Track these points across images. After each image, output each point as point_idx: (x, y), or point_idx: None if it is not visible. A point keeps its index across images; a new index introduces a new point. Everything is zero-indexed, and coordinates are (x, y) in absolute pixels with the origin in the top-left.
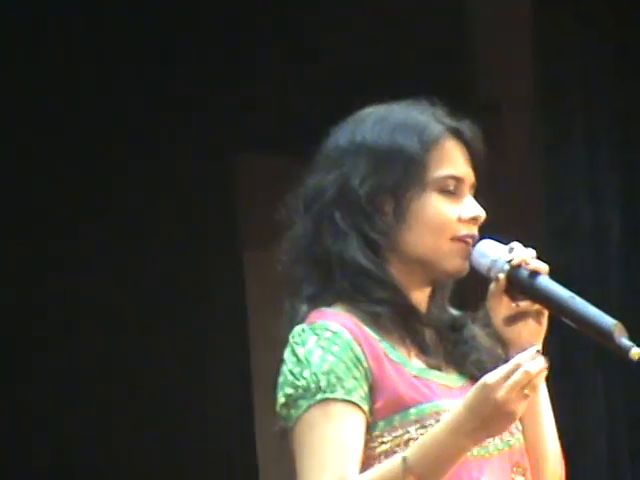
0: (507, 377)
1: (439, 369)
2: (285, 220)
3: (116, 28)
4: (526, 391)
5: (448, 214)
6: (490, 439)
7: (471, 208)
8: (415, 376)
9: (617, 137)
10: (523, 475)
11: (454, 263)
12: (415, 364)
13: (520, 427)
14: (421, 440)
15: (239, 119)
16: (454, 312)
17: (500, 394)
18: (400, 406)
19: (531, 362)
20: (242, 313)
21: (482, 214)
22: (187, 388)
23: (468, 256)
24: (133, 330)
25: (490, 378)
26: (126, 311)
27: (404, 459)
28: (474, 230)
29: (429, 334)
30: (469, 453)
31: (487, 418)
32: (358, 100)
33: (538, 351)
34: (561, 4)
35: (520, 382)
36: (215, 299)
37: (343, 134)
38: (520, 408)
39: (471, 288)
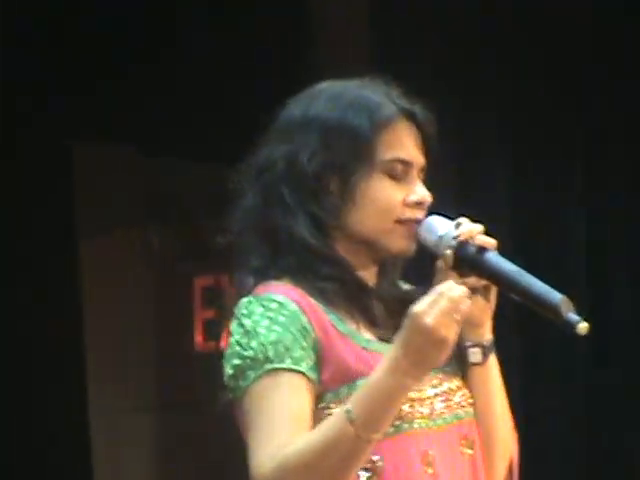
0: (433, 305)
1: (387, 342)
2: (236, 188)
3: None
4: (455, 316)
5: (393, 197)
6: (439, 411)
7: (417, 192)
8: (363, 348)
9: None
10: (471, 448)
11: (398, 244)
12: (364, 336)
13: (470, 400)
14: (362, 387)
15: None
16: (406, 287)
17: (429, 319)
18: (348, 377)
19: (452, 289)
20: (76, 301)
21: (428, 198)
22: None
23: (412, 237)
24: None
25: (417, 307)
26: None
27: (347, 410)
28: (419, 215)
29: (378, 308)
30: (417, 425)
31: (421, 348)
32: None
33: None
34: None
35: (446, 307)
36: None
37: (297, 107)
38: (451, 334)
39: (424, 264)
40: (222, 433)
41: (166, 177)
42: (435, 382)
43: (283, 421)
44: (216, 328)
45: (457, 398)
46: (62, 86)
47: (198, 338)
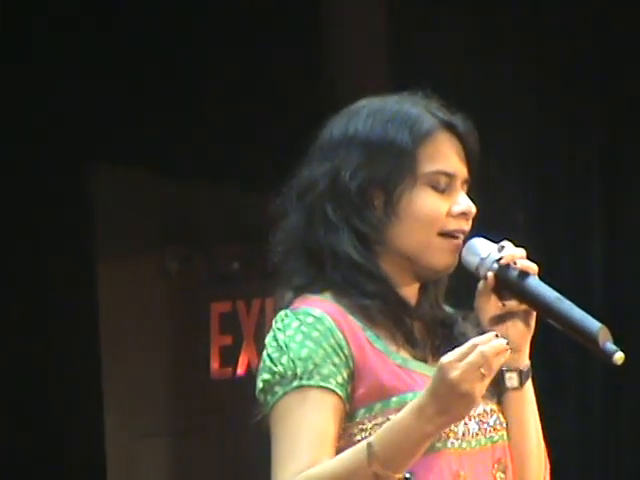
0: (462, 357)
1: (425, 361)
2: (279, 210)
3: None
4: (482, 370)
5: (437, 208)
6: (473, 433)
7: (461, 203)
8: (398, 365)
9: None
10: (504, 472)
11: (442, 259)
12: (401, 354)
13: (505, 424)
14: (386, 426)
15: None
16: (447, 309)
17: (454, 374)
18: (382, 394)
19: (488, 343)
20: (94, 324)
21: (473, 209)
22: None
23: (457, 251)
24: None
25: (445, 358)
26: None
27: (369, 445)
28: (464, 226)
29: (418, 328)
30: (450, 445)
31: (445, 400)
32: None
33: (497, 335)
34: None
35: (475, 362)
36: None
37: (337, 126)
38: (477, 389)
39: (468, 287)
40: (238, 458)
41: (184, 202)
42: None
43: (306, 440)
44: (233, 354)
45: (491, 421)
46: (84, 106)
47: (214, 364)
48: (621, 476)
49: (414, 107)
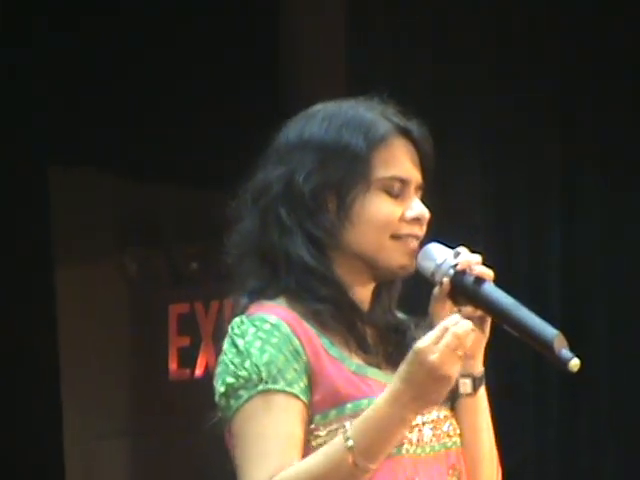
0: (437, 341)
1: (378, 367)
2: (235, 214)
3: None
4: (459, 352)
5: (390, 213)
6: (427, 439)
7: (414, 208)
8: (353, 372)
9: None
10: (459, 478)
11: (396, 260)
12: (354, 360)
13: (458, 430)
14: (362, 417)
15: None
16: (400, 316)
17: (433, 357)
18: (337, 401)
19: (458, 325)
20: (52, 326)
21: (426, 215)
22: None
23: (411, 254)
24: None
25: (421, 343)
26: None
27: (346, 438)
28: (417, 231)
29: (370, 333)
30: (405, 451)
31: (423, 384)
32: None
33: (460, 316)
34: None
35: (451, 344)
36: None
37: (292, 129)
38: (454, 371)
39: (422, 294)
40: (196, 459)
41: (144, 203)
42: (423, 411)
43: (275, 443)
44: (191, 356)
45: (445, 428)
46: (42, 106)
47: (172, 365)
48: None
49: (369, 112)
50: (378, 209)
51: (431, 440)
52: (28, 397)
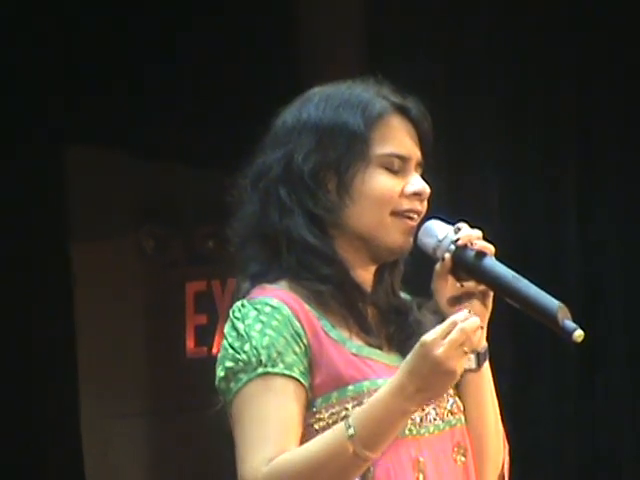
0: (445, 335)
1: (380, 349)
2: (233, 199)
3: None
4: (465, 348)
5: (390, 188)
6: (430, 418)
7: (414, 184)
8: (354, 354)
9: None
10: (464, 455)
11: (396, 238)
12: (355, 342)
13: (462, 407)
14: (364, 406)
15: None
16: (403, 296)
17: (439, 351)
18: (338, 383)
19: (467, 321)
20: (69, 305)
21: (427, 190)
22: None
23: (411, 232)
24: None
25: (428, 336)
26: None
27: (348, 426)
28: (417, 206)
29: (372, 314)
30: (408, 431)
31: (427, 377)
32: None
33: (470, 312)
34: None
35: (458, 339)
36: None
37: (290, 113)
38: (459, 366)
39: (424, 274)
40: (215, 438)
41: (160, 182)
42: None
43: (274, 427)
44: (208, 334)
45: (449, 405)
46: (57, 88)
47: (190, 343)
48: (594, 455)
49: (366, 92)
50: (378, 184)
51: (435, 419)
52: (44, 377)
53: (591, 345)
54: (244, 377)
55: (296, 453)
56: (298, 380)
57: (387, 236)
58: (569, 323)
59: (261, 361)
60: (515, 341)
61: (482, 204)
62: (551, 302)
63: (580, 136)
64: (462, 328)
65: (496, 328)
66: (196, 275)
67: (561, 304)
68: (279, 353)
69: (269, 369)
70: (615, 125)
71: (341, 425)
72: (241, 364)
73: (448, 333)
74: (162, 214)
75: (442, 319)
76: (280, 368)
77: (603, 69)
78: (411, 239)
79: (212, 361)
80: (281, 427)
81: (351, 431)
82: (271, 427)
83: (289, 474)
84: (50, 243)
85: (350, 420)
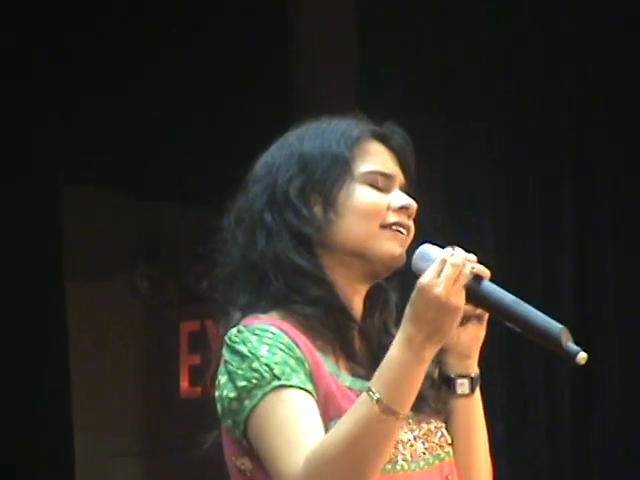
0: (438, 274)
1: (366, 379)
2: (219, 244)
3: None
4: (462, 281)
5: (377, 201)
6: (420, 453)
7: (400, 198)
8: (348, 387)
9: None
10: None
11: (386, 248)
12: (345, 375)
13: (450, 440)
14: (379, 371)
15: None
16: (395, 332)
17: (439, 289)
18: (337, 413)
19: (453, 256)
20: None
21: (413, 204)
22: None
23: (402, 244)
24: None
25: (424, 279)
26: None
27: (371, 392)
28: (405, 220)
29: (360, 343)
30: (400, 467)
31: (434, 319)
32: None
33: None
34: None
35: (452, 274)
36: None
37: (269, 153)
38: (461, 300)
39: None
40: (208, 477)
41: (155, 222)
42: (413, 427)
43: (300, 428)
44: (202, 373)
45: (436, 439)
46: (53, 129)
47: (184, 383)
48: None
49: (343, 122)
50: (364, 198)
51: (424, 453)
52: (40, 415)
53: (587, 382)
54: (259, 392)
55: (328, 438)
56: (312, 395)
57: (378, 247)
58: (572, 346)
59: (275, 375)
60: (508, 381)
61: (477, 239)
62: (553, 325)
63: (577, 168)
64: (453, 263)
65: (489, 366)
66: (190, 315)
67: (564, 327)
68: (292, 369)
69: (284, 382)
70: (613, 155)
71: (364, 395)
72: (254, 381)
73: (441, 271)
74: (156, 254)
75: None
76: (295, 382)
77: (599, 97)
78: (404, 252)
79: (206, 401)
80: (306, 427)
81: (377, 396)
82: (296, 430)
83: (327, 459)
84: (44, 282)
85: (372, 387)
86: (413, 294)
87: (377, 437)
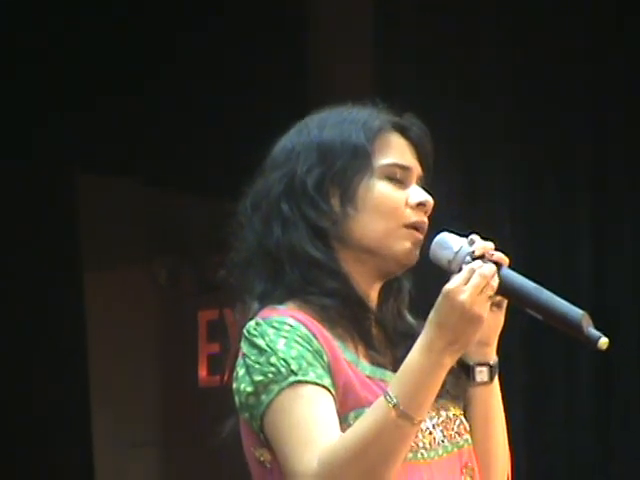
0: (466, 281)
1: (386, 368)
2: (236, 224)
3: None
4: (489, 293)
5: (396, 198)
6: (439, 441)
7: (418, 194)
8: (367, 376)
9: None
10: (471, 476)
11: (403, 247)
12: (364, 363)
13: (469, 428)
14: (398, 374)
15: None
16: (410, 320)
17: (464, 297)
18: (355, 404)
19: (483, 266)
20: (83, 334)
21: (430, 200)
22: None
23: (418, 244)
24: None
25: (450, 285)
26: None
27: (387, 396)
28: (423, 217)
29: (377, 332)
30: (420, 456)
31: (456, 326)
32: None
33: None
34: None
35: (479, 284)
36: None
37: (287, 137)
38: (485, 310)
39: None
40: (226, 467)
41: (173, 211)
42: (432, 414)
43: (315, 425)
44: (220, 362)
45: (455, 427)
46: (70, 118)
47: (202, 372)
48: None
49: (364, 112)
50: (382, 193)
51: (443, 441)
52: (58, 407)
53: (607, 368)
54: (276, 387)
55: (343, 438)
56: (329, 390)
57: (394, 244)
58: (593, 331)
59: (292, 370)
60: (528, 367)
61: (494, 232)
62: (575, 311)
63: (595, 165)
64: (481, 273)
65: (508, 353)
66: (208, 304)
67: (585, 312)
68: (309, 364)
69: (300, 377)
70: (631, 138)
71: (381, 399)
72: (271, 375)
73: (469, 279)
74: (174, 244)
75: None
76: (312, 377)
77: (617, 81)
78: (417, 252)
79: (224, 390)
80: (322, 425)
81: (394, 401)
82: (312, 427)
83: (341, 462)
84: (61, 274)
85: (389, 391)
86: (438, 299)
87: (392, 442)
